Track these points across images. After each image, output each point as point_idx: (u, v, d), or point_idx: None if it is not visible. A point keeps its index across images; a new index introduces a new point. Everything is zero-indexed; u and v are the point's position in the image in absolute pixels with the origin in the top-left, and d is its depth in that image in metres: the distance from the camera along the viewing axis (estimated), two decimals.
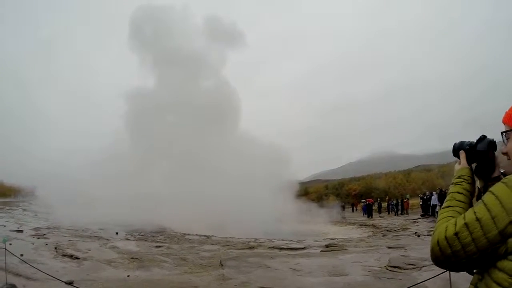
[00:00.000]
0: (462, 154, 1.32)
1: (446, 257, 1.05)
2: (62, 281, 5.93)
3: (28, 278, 6.32)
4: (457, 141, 1.39)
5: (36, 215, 21.03)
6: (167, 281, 6.61)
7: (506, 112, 1.19)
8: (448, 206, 1.18)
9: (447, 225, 1.08)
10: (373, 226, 18.34)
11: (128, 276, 6.92)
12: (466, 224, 1.03)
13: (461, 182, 1.25)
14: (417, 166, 67.77)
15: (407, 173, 54.33)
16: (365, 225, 19.84)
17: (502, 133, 1.19)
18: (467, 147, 1.32)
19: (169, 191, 25.05)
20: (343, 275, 6.72)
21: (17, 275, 6.39)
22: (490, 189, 1.06)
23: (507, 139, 1.17)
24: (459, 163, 1.32)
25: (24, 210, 24.91)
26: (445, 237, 1.05)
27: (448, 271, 4.04)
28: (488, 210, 1.01)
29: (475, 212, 1.04)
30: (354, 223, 21.78)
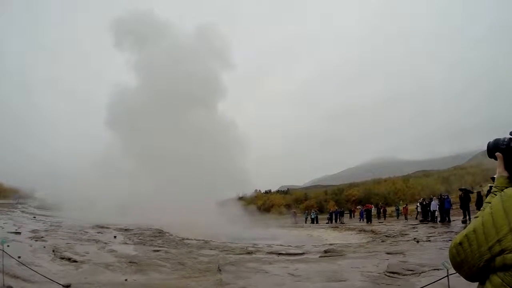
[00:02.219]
0: (499, 157, 1.16)
1: (458, 264, 1.07)
2: (60, 284, 5.91)
3: (25, 280, 6.30)
4: (491, 140, 1.19)
5: (34, 217, 20.95)
6: (165, 285, 6.59)
7: None
8: (476, 217, 1.14)
9: (459, 234, 1.09)
10: (372, 231, 18.27)
11: (126, 280, 6.90)
12: (466, 236, 1.04)
13: (496, 192, 1.15)
14: (416, 171, 67.85)
15: (406, 178, 54.38)
16: (364, 230, 19.76)
17: None
18: (504, 146, 1.14)
19: (137, 189, 26.09)
20: (342, 280, 6.70)
21: (15, 277, 6.36)
22: (492, 200, 1.05)
23: None
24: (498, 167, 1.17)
25: (23, 212, 24.81)
26: (454, 246, 1.08)
27: (446, 277, 4.04)
28: (483, 224, 1.01)
29: (474, 223, 1.04)
30: (353, 229, 21.70)
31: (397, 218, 26.97)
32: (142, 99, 31.38)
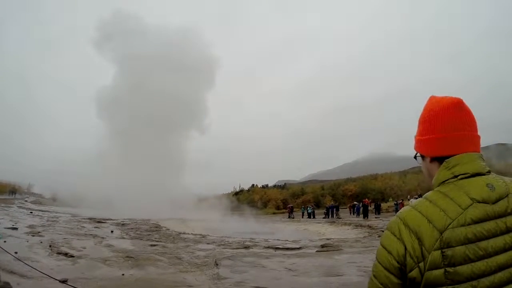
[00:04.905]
0: None
1: None
2: (57, 279, 5.89)
3: (22, 276, 6.28)
4: None
5: (31, 212, 20.89)
6: (161, 280, 6.59)
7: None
8: None
9: None
10: (369, 227, 18.39)
11: (123, 274, 6.89)
12: None
13: None
14: (413, 167, 68.18)
15: (403, 174, 54.66)
16: (360, 225, 19.89)
17: (415, 157, 1.12)
18: None
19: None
20: (339, 275, 6.74)
21: (11, 272, 6.34)
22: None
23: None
24: None
25: (20, 207, 24.73)
26: None
27: None
28: (380, 263, 0.90)
29: (373, 274, 0.93)
30: (349, 224, 21.84)
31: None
32: (123, 91, 32.37)
